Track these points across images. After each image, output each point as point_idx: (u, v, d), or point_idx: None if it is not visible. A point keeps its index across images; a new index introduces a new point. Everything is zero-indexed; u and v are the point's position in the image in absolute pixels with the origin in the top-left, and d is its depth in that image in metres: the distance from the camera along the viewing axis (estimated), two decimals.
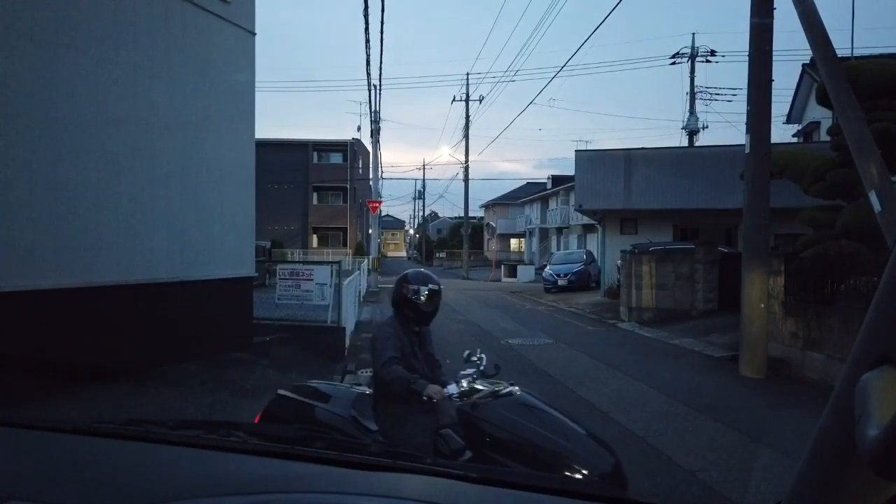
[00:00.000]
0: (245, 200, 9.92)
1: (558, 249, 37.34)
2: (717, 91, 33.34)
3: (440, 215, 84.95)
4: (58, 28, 6.97)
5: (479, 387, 3.11)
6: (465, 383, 3.14)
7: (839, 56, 8.42)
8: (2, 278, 6.33)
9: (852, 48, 14.66)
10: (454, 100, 37.83)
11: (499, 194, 60.20)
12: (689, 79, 27.76)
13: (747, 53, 9.55)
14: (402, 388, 3.16)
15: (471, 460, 2.97)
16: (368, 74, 23.50)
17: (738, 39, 16.17)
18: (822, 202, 11.32)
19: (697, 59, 27.42)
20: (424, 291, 3.46)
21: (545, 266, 28.55)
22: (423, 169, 65.55)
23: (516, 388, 3.15)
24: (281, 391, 3.85)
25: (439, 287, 3.57)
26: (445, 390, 3.12)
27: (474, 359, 3.35)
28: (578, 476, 2.66)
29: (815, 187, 11.08)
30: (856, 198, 9.57)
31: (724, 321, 12.99)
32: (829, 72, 8.00)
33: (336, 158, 48.82)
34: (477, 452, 2.94)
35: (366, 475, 1.38)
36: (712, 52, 27.31)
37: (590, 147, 30.65)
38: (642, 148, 21.07)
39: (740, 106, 19.51)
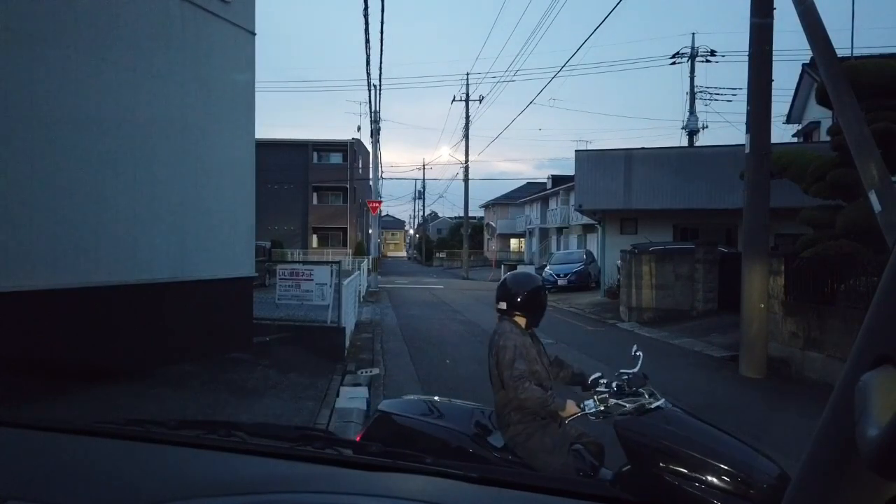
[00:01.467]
0: (245, 200, 9.92)
1: (558, 249, 37.33)
2: (717, 91, 33.33)
3: (440, 215, 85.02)
4: (57, 29, 6.97)
5: (623, 403, 2.85)
6: (600, 399, 2.90)
7: (839, 56, 8.42)
8: (1, 278, 6.33)
9: (852, 48, 14.66)
10: (454, 100, 37.86)
11: (499, 194, 60.21)
12: (689, 79, 27.80)
13: (747, 53, 9.56)
14: (539, 407, 3.02)
15: (631, 475, 2.80)
16: (368, 74, 23.54)
17: (738, 39, 16.17)
18: (822, 202, 11.32)
19: (697, 59, 27.43)
20: (532, 292, 3.37)
21: (545, 266, 28.55)
22: (423, 169, 65.62)
23: (663, 400, 2.89)
24: (382, 408, 3.47)
25: (544, 287, 3.51)
26: (582, 406, 2.91)
27: (626, 371, 3.03)
28: (752, 489, 2.50)
29: (815, 187, 11.08)
30: (856, 198, 9.57)
31: (724, 321, 13.00)
32: (829, 72, 8.00)
33: (336, 158, 48.83)
34: (638, 468, 2.76)
35: (366, 475, 1.39)
36: (712, 52, 27.32)
37: (590, 147, 30.74)
38: (642, 148, 21.09)
39: (740, 106, 19.51)
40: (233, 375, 8.04)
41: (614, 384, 2.96)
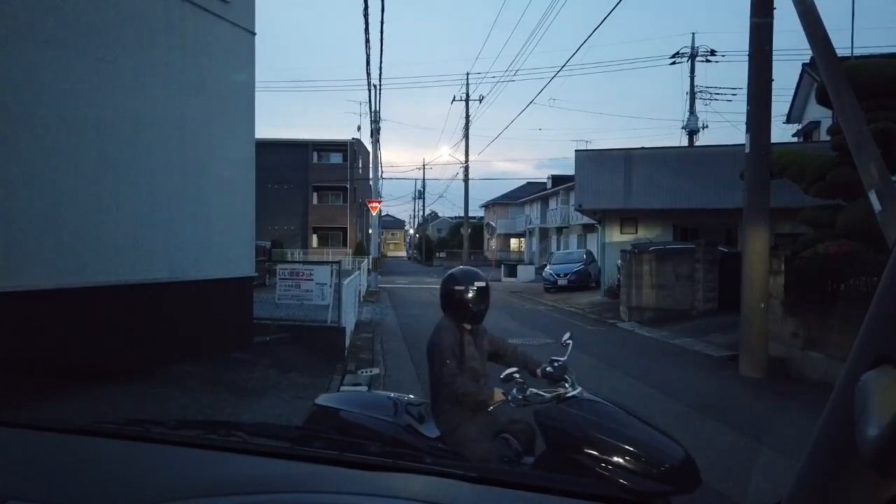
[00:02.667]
0: (245, 200, 9.91)
1: (558, 249, 37.33)
2: (717, 91, 33.34)
3: (440, 215, 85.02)
4: (57, 28, 6.97)
5: (542, 392, 3.08)
6: (520, 388, 3.10)
7: (839, 56, 8.42)
8: (1, 278, 6.33)
9: (852, 48, 14.67)
10: (454, 100, 37.90)
11: (499, 194, 60.20)
12: (688, 78, 27.81)
13: (747, 53, 9.55)
14: (471, 401, 3.19)
15: (549, 461, 2.99)
16: (368, 74, 23.54)
17: (738, 39, 16.18)
18: (822, 202, 11.31)
19: (697, 58, 27.44)
20: (472, 289, 3.41)
21: (545, 266, 28.55)
22: (423, 169, 65.65)
23: (580, 389, 3.12)
24: (319, 402, 3.58)
25: (487, 283, 3.52)
26: (506, 395, 3.11)
27: (557, 359, 3.29)
28: (655, 469, 2.75)
29: (815, 187, 11.07)
30: (856, 197, 9.57)
31: (724, 321, 12.99)
32: (829, 72, 8.00)
33: (336, 158, 48.83)
34: (558, 454, 2.96)
35: (366, 475, 1.38)
36: (712, 52, 27.33)
37: (590, 147, 30.69)
38: (642, 148, 21.07)
39: (740, 106, 19.54)
40: (233, 375, 8.04)
41: (548, 368, 3.24)
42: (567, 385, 3.11)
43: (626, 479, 2.70)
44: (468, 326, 3.46)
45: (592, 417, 2.96)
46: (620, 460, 2.75)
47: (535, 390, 3.07)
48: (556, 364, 3.23)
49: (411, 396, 3.67)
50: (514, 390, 3.07)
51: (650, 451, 2.80)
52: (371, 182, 30.83)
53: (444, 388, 3.25)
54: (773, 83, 9.67)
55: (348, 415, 3.39)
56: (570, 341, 3.48)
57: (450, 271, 3.64)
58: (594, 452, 2.79)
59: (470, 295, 3.39)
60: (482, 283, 3.45)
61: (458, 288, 3.42)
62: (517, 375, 3.14)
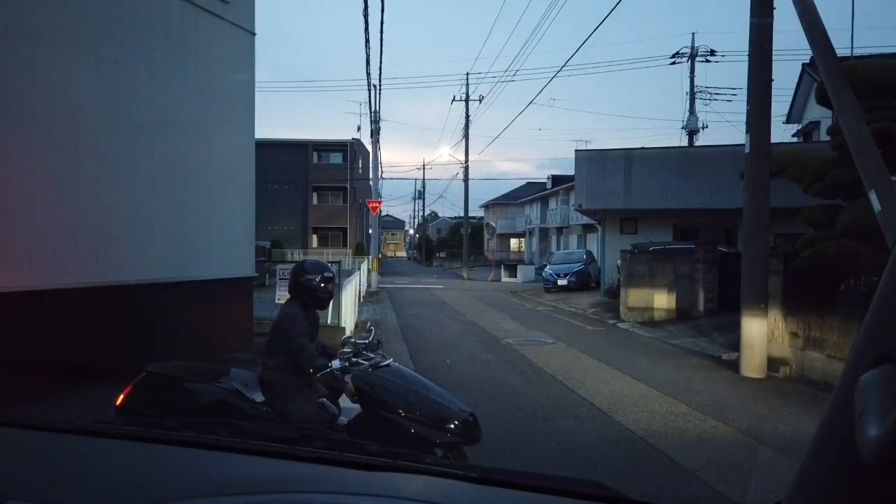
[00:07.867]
0: (245, 200, 9.91)
1: (558, 249, 37.33)
2: (717, 91, 33.39)
3: (440, 215, 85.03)
4: (57, 28, 6.97)
5: (362, 361, 3.62)
6: (346, 359, 3.63)
7: (839, 56, 8.41)
8: (1, 278, 6.32)
9: (852, 48, 14.68)
10: (454, 100, 37.86)
11: (499, 194, 60.19)
12: (688, 78, 27.81)
13: (747, 53, 9.55)
14: (311, 364, 3.60)
15: (361, 418, 3.55)
16: (368, 74, 23.55)
17: (738, 39, 16.18)
18: (822, 202, 11.31)
19: (697, 58, 27.44)
20: (319, 279, 3.83)
21: (545, 266, 28.55)
22: (423, 169, 65.47)
23: (391, 360, 3.74)
24: (151, 367, 3.82)
25: (333, 275, 4.03)
26: (331, 365, 3.55)
27: (361, 341, 3.84)
28: (445, 423, 3.42)
29: (815, 187, 11.07)
30: (856, 197, 9.56)
31: (724, 321, 12.99)
32: (829, 72, 8.00)
33: (336, 158, 48.83)
34: (369, 411, 3.50)
35: (366, 475, 1.39)
36: (712, 52, 27.34)
37: (590, 147, 30.65)
38: (642, 148, 21.06)
39: (740, 106, 19.52)
40: None
41: (360, 348, 3.77)
42: (381, 357, 3.72)
43: (422, 431, 3.29)
44: (311, 312, 3.92)
45: (398, 381, 3.56)
46: (418, 415, 3.35)
47: (356, 359, 3.62)
48: (362, 345, 3.82)
49: (240, 369, 4.09)
50: (337, 361, 3.58)
51: (443, 409, 3.44)
52: (371, 182, 30.83)
53: (296, 355, 3.63)
54: (773, 83, 9.66)
55: (176, 380, 3.78)
56: (372, 328, 4.18)
57: (301, 261, 4.15)
58: (399, 409, 3.37)
59: (319, 283, 3.82)
60: (329, 274, 3.93)
61: (307, 277, 3.82)
62: (353, 340, 3.81)
